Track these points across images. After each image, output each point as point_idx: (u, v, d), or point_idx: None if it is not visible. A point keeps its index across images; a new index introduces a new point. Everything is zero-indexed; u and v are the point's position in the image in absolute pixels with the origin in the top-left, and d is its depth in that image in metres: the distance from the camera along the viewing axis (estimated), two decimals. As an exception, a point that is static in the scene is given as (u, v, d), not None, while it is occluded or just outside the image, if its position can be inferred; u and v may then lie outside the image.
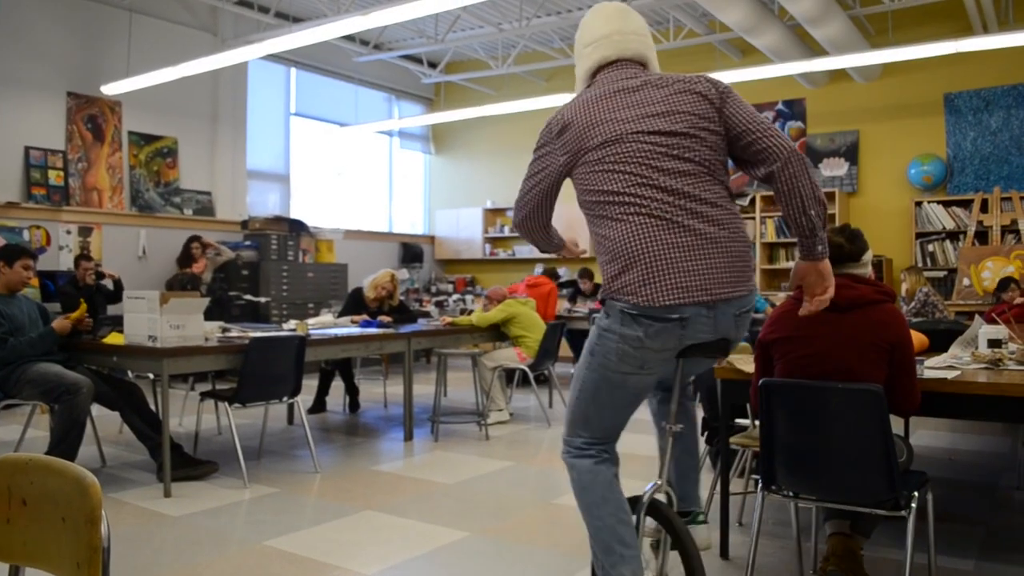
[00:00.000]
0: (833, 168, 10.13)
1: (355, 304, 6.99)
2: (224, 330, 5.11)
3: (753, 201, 10.23)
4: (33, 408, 5.09)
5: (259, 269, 9.54)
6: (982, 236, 9.02)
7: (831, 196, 9.79)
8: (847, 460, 2.62)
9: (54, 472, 1.28)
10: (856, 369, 2.65)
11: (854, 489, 2.67)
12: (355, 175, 12.39)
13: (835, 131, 10.12)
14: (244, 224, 9.95)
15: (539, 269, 11.96)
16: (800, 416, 2.70)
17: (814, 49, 9.11)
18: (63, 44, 8.59)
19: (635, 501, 2.57)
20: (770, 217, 10.11)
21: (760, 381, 2.73)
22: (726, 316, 2.30)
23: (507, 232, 12.58)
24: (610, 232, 2.35)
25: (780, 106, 10.47)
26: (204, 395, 5.00)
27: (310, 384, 6.52)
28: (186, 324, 4.48)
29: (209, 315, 4.85)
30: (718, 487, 3.43)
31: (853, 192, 10.00)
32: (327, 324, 6.10)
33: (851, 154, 10.02)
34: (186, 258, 8.86)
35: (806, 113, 10.31)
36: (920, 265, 9.18)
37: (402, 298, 7.54)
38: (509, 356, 6.61)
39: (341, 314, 6.89)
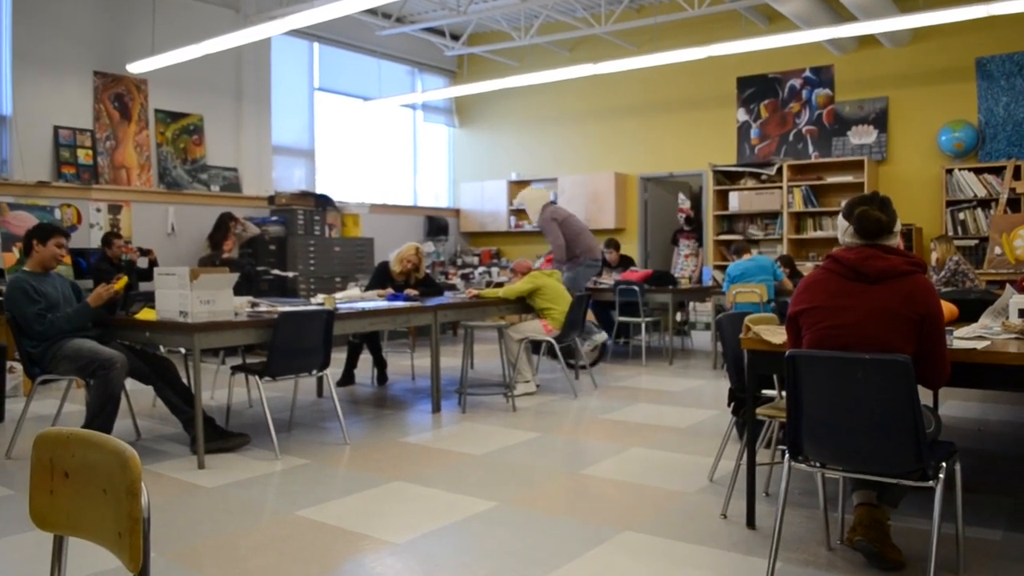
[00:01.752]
0: (862, 136, 10.01)
1: (382, 278, 7.04)
2: (253, 305, 5.17)
3: (780, 170, 10.13)
4: (69, 383, 5.19)
5: (286, 244, 9.61)
6: (1014, 204, 8.88)
7: (859, 164, 9.68)
8: (875, 431, 2.62)
9: (94, 446, 1.32)
10: (885, 340, 2.64)
11: (881, 459, 2.67)
12: (379, 149, 12.40)
13: (864, 98, 9.99)
14: (271, 199, 10.02)
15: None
16: (827, 387, 2.70)
17: (842, 15, 8.97)
18: (89, 23, 8.65)
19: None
20: (797, 186, 10.01)
21: (786, 352, 2.73)
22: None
23: (532, 204, 12.55)
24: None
25: (807, 73, 10.34)
26: (235, 369, 5.07)
27: (338, 357, 6.59)
28: (216, 299, 4.54)
29: (238, 290, 4.91)
30: (744, 457, 3.44)
31: (882, 160, 9.88)
32: (354, 298, 6.15)
33: (880, 121, 9.89)
34: (221, 234, 8.93)
35: (834, 80, 10.18)
36: (950, 234, 9.07)
37: (428, 271, 7.58)
38: (535, 328, 6.64)
39: (368, 288, 6.94)
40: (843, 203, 3.22)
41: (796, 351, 2.74)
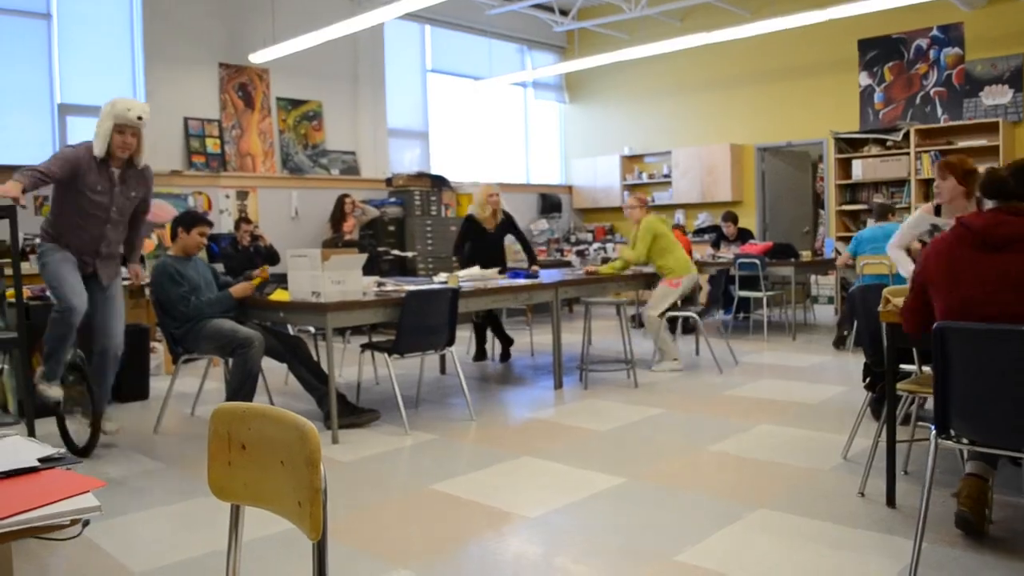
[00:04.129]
0: (995, 96, 9.47)
1: (469, 230, 7.08)
2: (380, 284, 5.31)
3: (907, 135, 9.70)
4: (208, 362, 5.45)
5: (404, 224, 9.81)
6: None
7: (994, 127, 9.17)
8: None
9: (272, 420, 1.39)
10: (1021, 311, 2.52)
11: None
12: (491, 128, 12.47)
13: (997, 56, 9.42)
14: (388, 181, 10.24)
15: (679, 215, 11.83)
16: (980, 361, 2.58)
17: (975, -32, 8.47)
18: (213, 17, 8.99)
19: None
20: (925, 151, 9.57)
21: (935, 325, 2.62)
22: None
23: (645, 179, 12.42)
24: None
25: (935, 32, 9.82)
26: (364, 347, 5.22)
27: (462, 335, 6.71)
28: (346, 280, 4.68)
29: (363, 270, 5.05)
30: (883, 434, 3.34)
31: (1019, 121, 9.32)
32: (476, 276, 6.23)
33: (1016, 80, 9.32)
34: (339, 216, 9.19)
35: (964, 38, 9.64)
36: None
37: (510, 214, 7.37)
38: (664, 293, 6.49)
39: (459, 241, 7.06)
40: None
41: (945, 323, 2.63)
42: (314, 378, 5.00)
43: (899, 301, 3.21)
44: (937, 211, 4.56)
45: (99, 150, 4.21)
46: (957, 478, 3.55)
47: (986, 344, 2.55)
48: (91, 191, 4.25)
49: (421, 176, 10.33)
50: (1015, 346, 2.46)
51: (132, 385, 6.03)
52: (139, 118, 4.23)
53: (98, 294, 4.43)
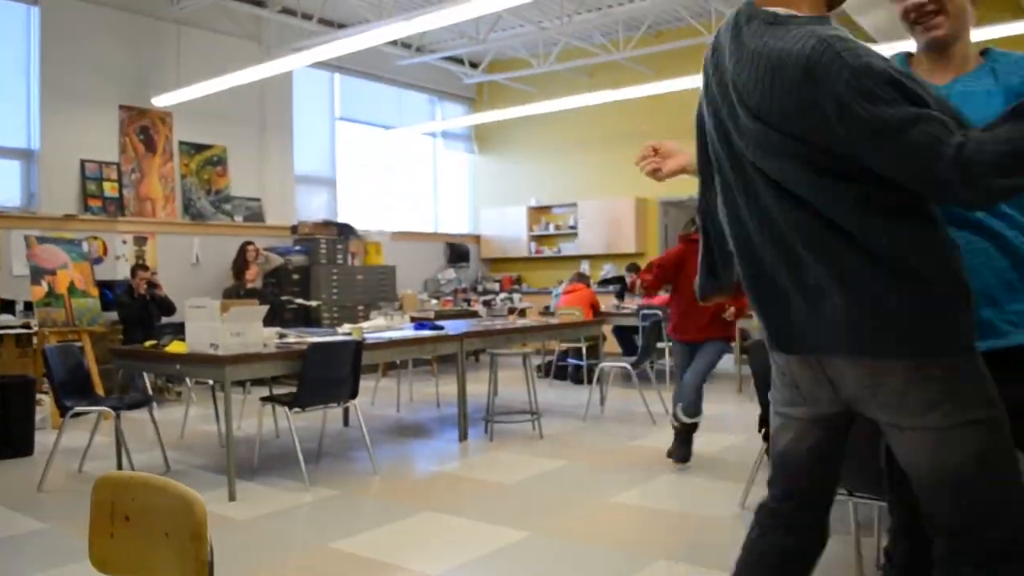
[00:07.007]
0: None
1: None
2: (281, 336, 5.21)
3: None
4: (98, 415, 5.22)
5: (309, 273, 9.68)
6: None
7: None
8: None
9: (157, 489, 1.34)
10: None
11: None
12: (400, 176, 12.49)
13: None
14: (294, 229, 10.11)
15: (584, 266, 11.99)
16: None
17: (861, 35, 8.97)
18: (115, 58, 8.79)
19: None
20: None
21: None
22: None
23: (552, 230, 12.59)
24: None
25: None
26: (264, 400, 5.10)
27: (367, 385, 6.62)
28: (246, 331, 4.58)
29: (263, 321, 4.95)
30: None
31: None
32: (381, 328, 6.18)
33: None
34: (242, 263, 9.02)
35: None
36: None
37: None
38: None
39: None
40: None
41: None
42: None
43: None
44: None
45: None
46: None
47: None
48: None
49: (327, 224, 10.24)
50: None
51: (16, 439, 5.73)
52: None
53: None
